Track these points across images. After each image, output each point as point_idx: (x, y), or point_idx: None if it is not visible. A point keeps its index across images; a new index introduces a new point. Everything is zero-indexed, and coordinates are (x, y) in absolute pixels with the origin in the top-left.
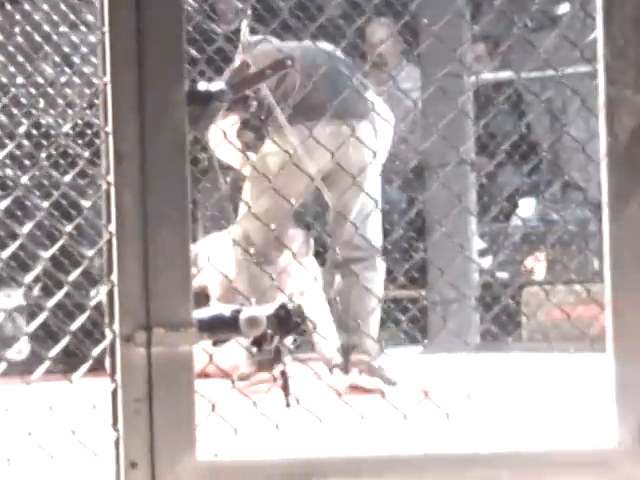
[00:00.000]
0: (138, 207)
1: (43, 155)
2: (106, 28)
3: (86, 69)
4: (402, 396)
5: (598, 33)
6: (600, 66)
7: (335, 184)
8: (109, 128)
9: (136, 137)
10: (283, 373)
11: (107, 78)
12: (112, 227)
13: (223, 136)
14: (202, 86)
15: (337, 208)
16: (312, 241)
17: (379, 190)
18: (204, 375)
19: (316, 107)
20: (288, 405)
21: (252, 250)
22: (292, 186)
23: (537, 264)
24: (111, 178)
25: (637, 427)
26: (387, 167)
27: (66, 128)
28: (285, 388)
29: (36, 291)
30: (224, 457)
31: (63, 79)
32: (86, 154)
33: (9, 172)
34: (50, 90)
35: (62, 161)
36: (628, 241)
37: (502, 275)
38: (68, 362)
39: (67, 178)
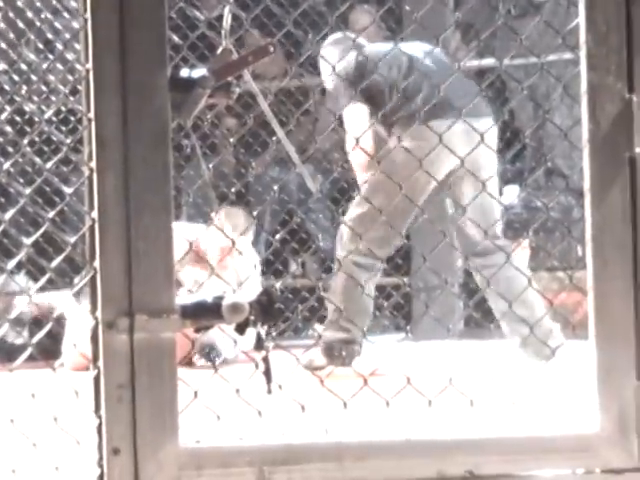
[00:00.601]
0: (120, 193)
1: (26, 141)
2: (88, 14)
3: (69, 55)
4: (385, 383)
5: (580, 19)
6: (582, 53)
7: (465, 181)
8: (92, 114)
9: (118, 123)
10: (265, 359)
11: (89, 65)
12: (95, 213)
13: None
14: (184, 72)
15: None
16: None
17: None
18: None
19: (443, 105)
20: (270, 392)
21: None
22: (418, 184)
23: (520, 251)
24: (94, 164)
25: (619, 413)
26: None
27: (49, 114)
28: (267, 374)
29: (20, 277)
30: (206, 444)
31: (45, 65)
32: (69, 140)
33: None
34: (33, 77)
35: (45, 147)
36: (610, 227)
37: None
38: (51, 349)
39: (50, 164)
